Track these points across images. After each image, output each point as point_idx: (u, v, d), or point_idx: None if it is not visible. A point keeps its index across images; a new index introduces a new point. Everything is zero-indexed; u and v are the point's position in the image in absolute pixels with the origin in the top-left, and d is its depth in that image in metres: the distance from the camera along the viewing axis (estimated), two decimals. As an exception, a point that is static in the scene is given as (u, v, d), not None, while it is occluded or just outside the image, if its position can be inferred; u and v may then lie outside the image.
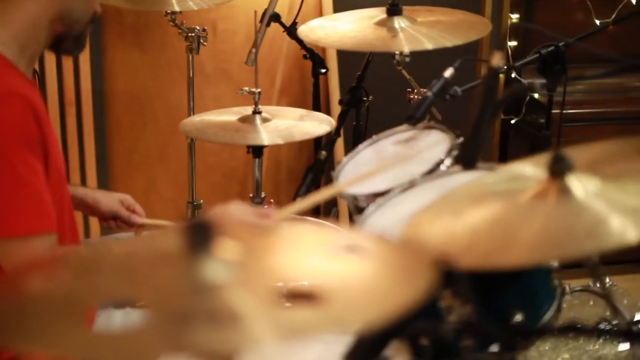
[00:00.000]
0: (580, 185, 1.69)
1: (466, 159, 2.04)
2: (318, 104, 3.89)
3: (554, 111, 2.98)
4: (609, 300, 2.52)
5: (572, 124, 4.26)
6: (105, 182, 4.24)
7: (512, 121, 4.50)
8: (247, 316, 1.02)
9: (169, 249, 1.19)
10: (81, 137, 4.03)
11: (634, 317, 2.43)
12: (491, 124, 3.45)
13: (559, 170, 1.71)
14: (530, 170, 1.90)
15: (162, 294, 1.09)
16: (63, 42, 2.27)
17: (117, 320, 2.37)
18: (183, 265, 1.13)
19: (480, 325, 1.94)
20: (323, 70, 3.78)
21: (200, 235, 1.17)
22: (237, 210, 2.00)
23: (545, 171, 1.73)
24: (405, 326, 1.57)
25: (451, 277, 1.98)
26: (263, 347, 0.98)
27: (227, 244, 1.19)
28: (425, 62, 3.08)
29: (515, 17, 4.61)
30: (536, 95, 4.33)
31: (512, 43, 4.54)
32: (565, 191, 1.69)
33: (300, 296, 1.09)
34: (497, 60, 2.05)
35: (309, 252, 1.25)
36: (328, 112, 4.02)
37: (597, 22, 4.39)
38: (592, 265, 1.69)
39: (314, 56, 3.75)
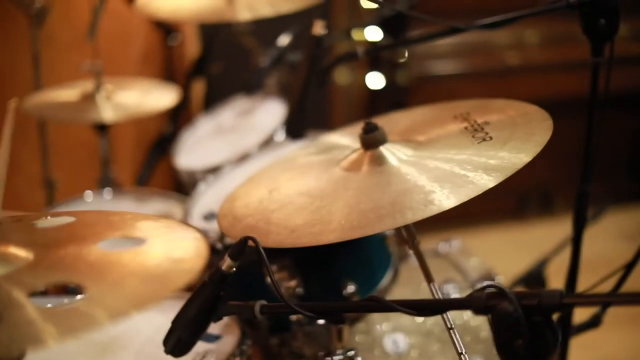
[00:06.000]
0: (392, 155, 1.68)
1: (292, 129, 2.01)
2: (173, 75, 3.81)
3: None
4: (453, 262, 2.56)
5: (435, 77, 4.32)
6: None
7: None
8: (28, 315, 0.96)
9: None
10: None
11: (481, 277, 2.46)
12: (322, 92, 3.39)
13: (370, 141, 1.70)
14: (347, 140, 1.88)
15: None
16: None
17: None
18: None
19: (306, 300, 1.93)
20: (174, 41, 3.70)
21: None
22: None
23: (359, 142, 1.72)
24: (218, 307, 1.54)
25: (276, 253, 1.96)
26: (48, 347, 0.92)
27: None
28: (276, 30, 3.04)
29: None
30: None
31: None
32: (377, 162, 1.67)
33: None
34: (319, 28, 2.02)
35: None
36: (185, 83, 3.93)
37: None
38: (408, 232, 1.68)
39: (166, 26, 3.66)
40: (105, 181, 2.94)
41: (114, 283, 1.05)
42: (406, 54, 4.14)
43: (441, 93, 3.88)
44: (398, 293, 2.21)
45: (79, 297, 1.02)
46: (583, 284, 1.87)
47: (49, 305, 1.00)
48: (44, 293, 1.05)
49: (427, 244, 2.66)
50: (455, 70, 4.57)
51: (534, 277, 3.03)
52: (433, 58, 4.48)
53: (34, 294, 1.02)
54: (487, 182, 1.48)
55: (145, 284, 1.06)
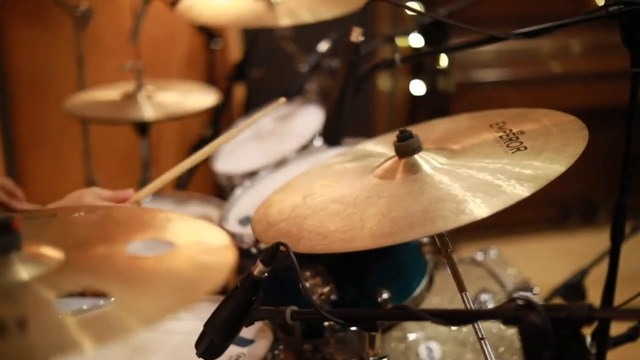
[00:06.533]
0: (426, 163, 1.67)
1: (328, 135, 2.02)
2: (215, 79, 3.83)
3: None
4: (490, 271, 2.54)
5: (478, 84, 4.30)
6: (12, 163, 4.13)
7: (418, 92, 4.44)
8: (59, 320, 0.97)
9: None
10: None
11: (518, 287, 2.44)
12: (365, 98, 3.36)
13: (404, 149, 1.70)
14: (383, 148, 1.88)
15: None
16: None
17: None
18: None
19: (338, 307, 1.93)
20: (217, 45, 3.72)
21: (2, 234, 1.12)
22: (91, 196, 1.90)
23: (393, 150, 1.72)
24: (249, 312, 1.55)
25: (311, 259, 1.97)
26: (81, 354, 0.92)
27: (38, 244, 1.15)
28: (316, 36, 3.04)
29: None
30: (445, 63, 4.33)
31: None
32: (411, 170, 1.67)
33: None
34: (357, 35, 2.02)
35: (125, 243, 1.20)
36: (227, 87, 3.95)
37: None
38: (441, 241, 1.67)
39: (209, 30, 3.68)
40: (145, 183, 2.96)
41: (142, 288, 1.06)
42: (447, 61, 4.13)
43: (484, 100, 3.86)
44: (434, 301, 2.20)
45: (104, 300, 1.03)
46: (623, 296, 1.85)
47: (77, 307, 1.01)
48: (71, 294, 1.05)
49: (466, 252, 2.65)
50: (498, 77, 4.54)
51: (573, 287, 3.00)
52: (476, 65, 4.46)
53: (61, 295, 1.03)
54: (521, 192, 1.47)
55: (172, 291, 1.07)
